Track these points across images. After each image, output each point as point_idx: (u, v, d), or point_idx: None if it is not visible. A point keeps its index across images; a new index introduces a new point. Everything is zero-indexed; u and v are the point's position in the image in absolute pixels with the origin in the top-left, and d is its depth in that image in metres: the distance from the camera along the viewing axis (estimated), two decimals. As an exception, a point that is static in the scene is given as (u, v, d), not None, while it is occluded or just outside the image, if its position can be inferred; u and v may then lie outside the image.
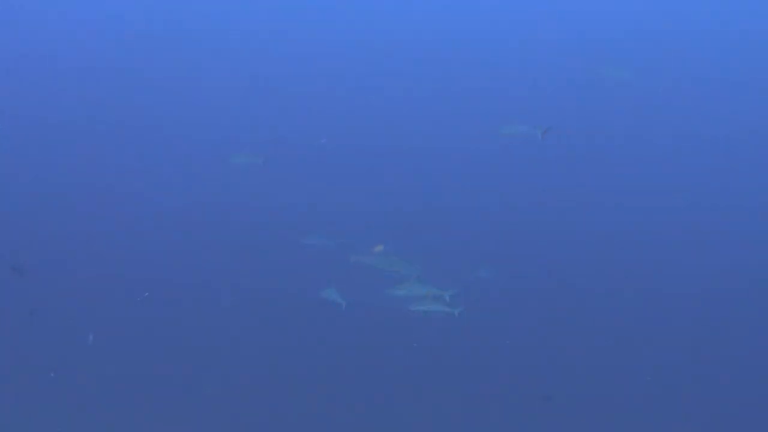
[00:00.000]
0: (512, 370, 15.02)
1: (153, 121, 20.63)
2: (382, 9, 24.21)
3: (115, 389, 14.04)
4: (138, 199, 19.01)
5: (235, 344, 15.36)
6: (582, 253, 18.37)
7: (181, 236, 18.29)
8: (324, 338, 15.03)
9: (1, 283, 15.67)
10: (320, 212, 18.34)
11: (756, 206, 19.66)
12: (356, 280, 13.19)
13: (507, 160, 19.18)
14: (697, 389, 14.82)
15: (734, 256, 18.39)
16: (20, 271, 14.29)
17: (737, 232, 19.26)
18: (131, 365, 14.63)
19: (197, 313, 16.30)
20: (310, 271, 15.31)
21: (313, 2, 23.60)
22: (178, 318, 16.08)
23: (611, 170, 20.58)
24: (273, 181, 18.10)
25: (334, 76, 22.27)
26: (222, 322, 16.11)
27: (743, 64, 22.32)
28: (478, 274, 15.39)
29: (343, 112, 21.30)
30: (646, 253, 18.61)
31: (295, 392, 14.39)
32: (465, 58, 22.62)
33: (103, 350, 14.53)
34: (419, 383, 14.68)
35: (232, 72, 21.91)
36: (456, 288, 11.98)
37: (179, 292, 16.19)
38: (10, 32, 21.59)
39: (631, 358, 15.77)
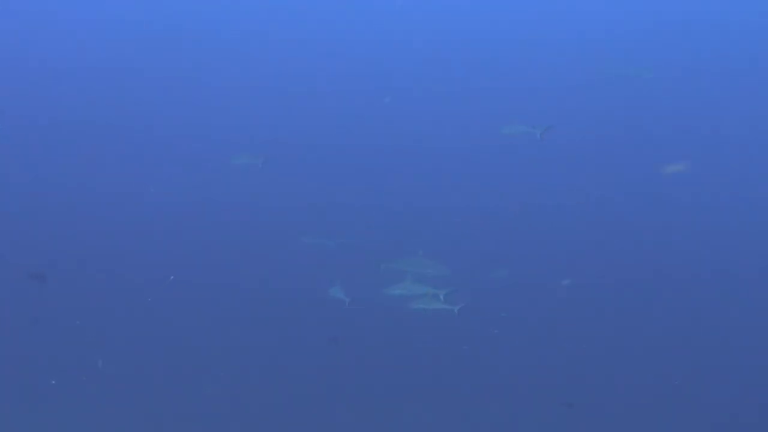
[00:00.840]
0: (535, 377, 15.02)
1: (153, 121, 20.65)
2: (383, 9, 24.17)
3: (116, 388, 14.06)
4: (138, 199, 19.04)
5: (236, 342, 15.39)
6: (582, 252, 18.37)
7: (181, 236, 18.33)
8: (324, 336, 15.03)
9: (2, 284, 15.73)
10: (320, 212, 18.37)
11: (759, 206, 19.64)
12: (356, 279, 13.21)
13: (507, 160, 19.18)
14: (718, 393, 14.76)
15: (746, 256, 18.37)
16: (40, 277, 14.27)
17: (744, 232, 19.24)
18: (132, 364, 14.64)
19: (198, 313, 16.33)
20: (309, 270, 15.33)
21: (313, 2, 23.57)
22: (179, 317, 16.12)
23: (611, 170, 20.56)
24: (273, 181, 18.11)
25: (334, 76, 22.26)
26: (223, 321, 16.14)
27: (745, 64, 22.29)
28: (494, 274, 15.46)
29: (343, 112, 21.31)
30: (648, 253, 18.61)
31: (295, 390, 14.40)
32: (465, 58, 22.59)
33: (103, 349, 14.55)
34: (435, 388, 14.69)
35: (232, 72, 21.90)
36: (452, 287, 12.00)
37: (180, 292, 16.22)
38: (10, 32, 21.58)
39: (637, 360, 15.75)
